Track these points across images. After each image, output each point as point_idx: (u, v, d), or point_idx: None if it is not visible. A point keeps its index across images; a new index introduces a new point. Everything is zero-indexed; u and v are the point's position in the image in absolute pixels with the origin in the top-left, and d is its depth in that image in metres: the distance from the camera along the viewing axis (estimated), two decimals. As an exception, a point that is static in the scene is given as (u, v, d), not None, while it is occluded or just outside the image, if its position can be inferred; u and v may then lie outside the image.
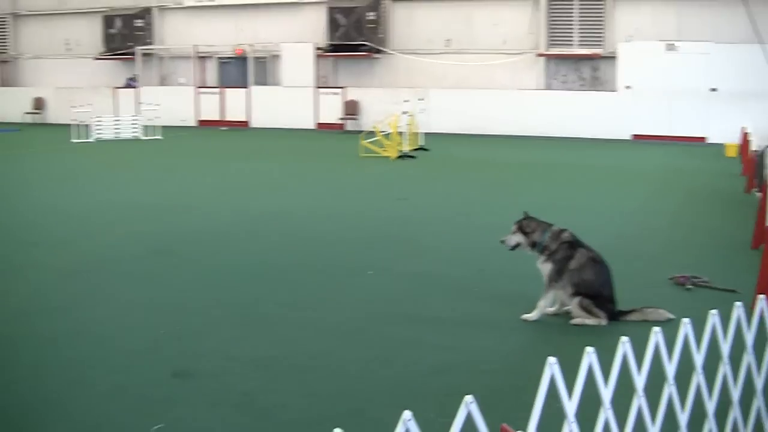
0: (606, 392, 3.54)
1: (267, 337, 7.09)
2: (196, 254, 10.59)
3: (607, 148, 25.62)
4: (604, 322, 7.29)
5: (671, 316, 7.30)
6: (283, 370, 6.27)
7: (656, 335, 3.77)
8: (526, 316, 7.53)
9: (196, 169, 20.45)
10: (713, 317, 4.12)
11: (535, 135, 28.73)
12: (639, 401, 3.72)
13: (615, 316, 7.36)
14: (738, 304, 4.33)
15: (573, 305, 7.42)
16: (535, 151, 24.33)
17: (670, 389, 3.91)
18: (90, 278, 9.29)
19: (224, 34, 35.44)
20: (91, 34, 37.81)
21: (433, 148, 23.99)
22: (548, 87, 30.62)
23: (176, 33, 36.62)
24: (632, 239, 11.61)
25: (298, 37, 33.84)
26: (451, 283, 8.96)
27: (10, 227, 12.53)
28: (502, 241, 7.93)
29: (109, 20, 36.72)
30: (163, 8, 36.74)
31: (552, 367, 3.25)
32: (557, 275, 7.46)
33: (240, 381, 6.02)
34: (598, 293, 7.39)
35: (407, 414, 2.79)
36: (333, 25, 32.68)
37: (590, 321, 7.31)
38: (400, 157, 21.84)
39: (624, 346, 3.60)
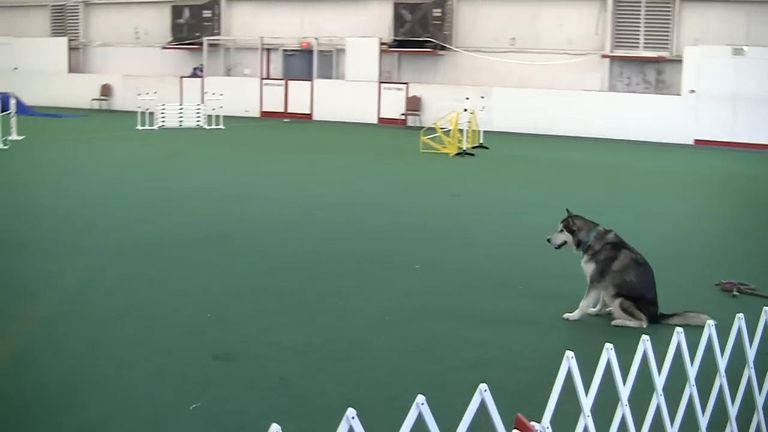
0: (624, 390, 3.60)
1: (309, 325, 7.21)
2: (249, 242, 10.78)
3: (668, 152, 25.42)
4: (644, 324, 7.30)
5: (713, 321, 7.27)
6: (322, 357, 6.39)
7: (679, 335, 3.82)
8: (567, 315, 7.57)
9: (257, 160, 20.72)
10: (739, 321, 4.16)
11: (596, 137, 28.61)
12: (657, 400, 3.77)
13: (656, 319, 7.36)
14: (766, 308, 4.35)
15: (614, 306, 7.44)
16: (595, 153, 24.22)
17: (690, 390, 3.95)
18: (143, 261, 9.50)
19: (290, 27, 35.75)
20: (160, 23, 38.37)
21: (494, 147, 24.00)
22: (612, 89, 30.46)
23: (243, 24, 37.00)
24: (682, 243, 11.57)
25: (363, 32, 34.02)
26: (496, 280, 9.02)
27: (70, 209, 12.84)
28: (548, 240, 7.98)
29: (177, 10, 37.23)
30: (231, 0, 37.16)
31: (569, 360, 3.32)
32: (600, 276, 7.48)
33: (279, 366, 6.15)
34: (640, 295, 7.40)
35: (420, 398, 2.89)
36: (398, 20, 32.80)
37: (631, 323, 7.32)
38: (459, 154, 21.90)
39: (645, 344, 3.65)
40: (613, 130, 28.70)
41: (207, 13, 36.86)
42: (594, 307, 7.68)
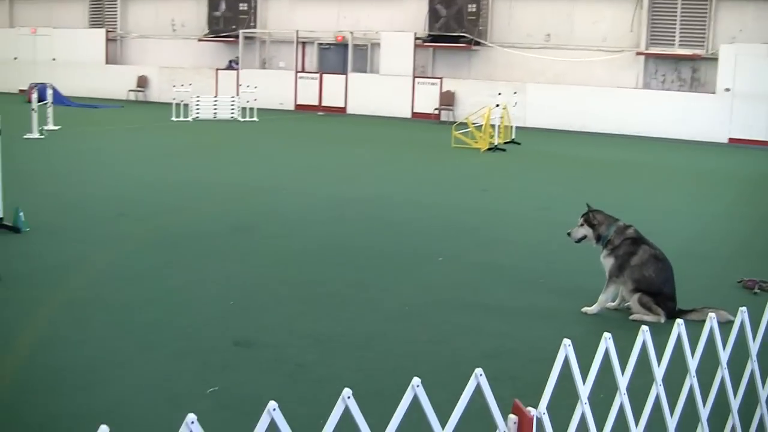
0: (622, 380, 3.68)
1: (329, 315, 7.34)
2: (276, 233, 10.92)
3: (702, 150, 25.29)
4: (662, 319, 7.34)
5: (731, 317, 7.29)
6: (340, 346, 6.51)
7: (679, 327, 3.90)
8: (586, 309, 7.64)
9: (289, 152, 20.87)
10: (742, 314, 4.22)
11: (630, 134, 28.50)
12: (657, 390, 3.85)
13: (675, 314, 7.40)
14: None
15: (632, 301, 7.50)
16: (628, 150, 24.14)
17: (691, 381, 4.02)
18: (170, 250, 9.68)
19: (326, 21, 35.87)
20: (197, 15, 38.62)
21: (526, 143, 24.00)
22: (646, 86, 30.30)
23: (279, 18, 37.16)
24: (709, 241, 11.58)
25: (398, 26, 34.08)
26: (517, 274, 9.10)
27: (102, 198, 13.04)
28: (569, 234, 8.05)
29: (214, 3, 37.44)
30: (267, -7, 37.37)
31: (566, 348, 3.41)
32: (618, 270, 7.55)
33: (297, 353, 6.28)
34: (658, 290, 7.46)
35: (416, 380, 2.99)
36: (434, 15, 32.82)
37: (649, 318, 7.37)
38: (490, 149, 21.93)
39: (644, 334, 3.73)
40: (647, 127, 28.58)
41: (243, 6, 37.05)
42: (613, 302, 7.75)
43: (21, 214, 10.19)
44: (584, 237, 7.91)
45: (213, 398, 5.37)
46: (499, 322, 7.36)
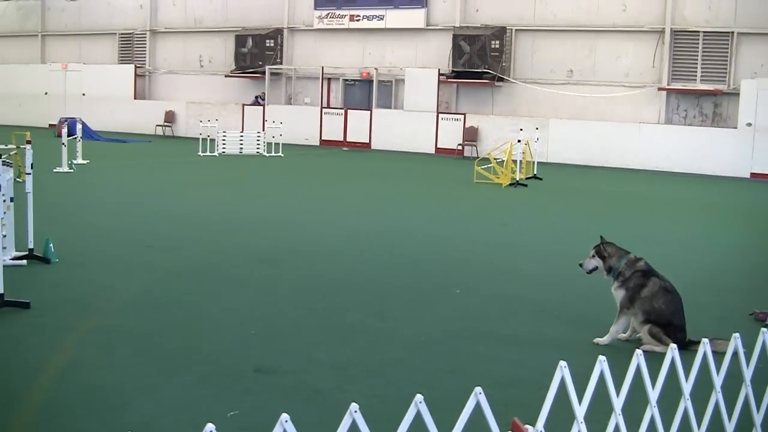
0: (617, 401, 3.88)
1: (348, 343, 7.55)
2: (297, 265, 11.16)
3: (724, 185, 25.39)
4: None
5: (674, 345, 7.47)
6: (357, 374, 6.73)
7: (672, 351, 4.10)
8: (597, 340, 7.82)
9: (313, 187, 21.18)
10: (736, 340, 4.42)
11: (652, 169, 28.68)
12: (651, 412, 4.05)
13: (685, 345, 7.55)
14: (765, 330, 4.60)
15: (643, 332, 7.67)
16: (650, 185, 24.28)
17: (685, 404, 4.21)
18: (194, 280, 9.96)
19: (351, 57, 36.34)
20: (224, 51, 39.23)
21: (548, 178, 24.20)
22: (668, 121, 30.48)
23: (305, 54, 37.66)
24: (724, 274, 11.72)
25: (422, 63, 34.48)
26: (533, 306, 9.29)
27: (129, 230, 13.36)
28: (581, 265, 8.25)
29: (241, 39, 37.99)
30: (293, 29, 37.87)
31: (563, 370, 3.62)
32: (629, 302, 7.72)
33: (315, 380, 6.50)
34: (668, 322, 7.62)
35: (419, 397, 3.21)
36: (457, 51, 33.16)
37: (659, 348, 7.51)
38: (512, 184, 22.14)
39: (638, 358, 3.93)
40: (669, 162, 28.76)
41: (270, 43, 37.59)
42: (624, 333, 7.92)
43: (50, 245, 10.50)
44: (595, 268, 8.10)
45: (233, 422, 5.59)
46: (513, 351, 7.55)
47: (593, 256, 8.10)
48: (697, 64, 29.93)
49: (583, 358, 7.41)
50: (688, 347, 7.56)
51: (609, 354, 7.49)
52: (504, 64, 32.76)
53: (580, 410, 3.71)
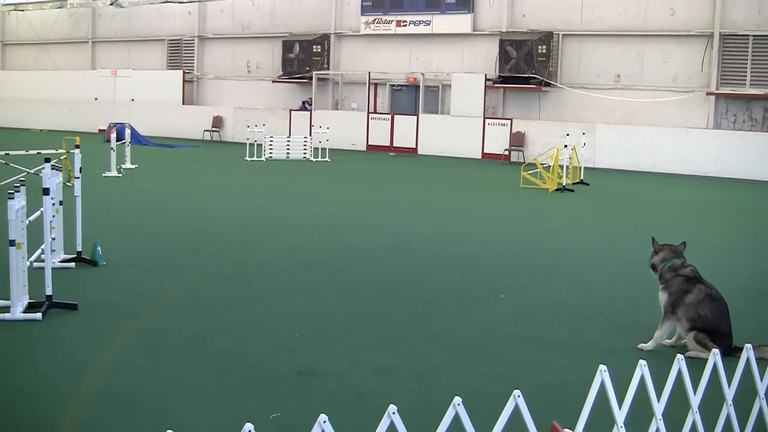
0: (658, 407, 3.86)
1: (392, 347, 7.57)
2: (343, 268, 11.21)
3: (775, 191, 25.13)
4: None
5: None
6: (401, 377, 6.74)
7: (715, 356, 4.07)
8: (642, 345, 7.77)
9: (359, 192, 21.25)
10: (748, 351, 4.37)
11: (700, 174, 28.42)
12: (693, 417, 4.02)
13: (731, 351, 7.49)
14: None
15: (688, 339, 7.61)
16: (698, 190, 24.07)
17: (728, 410, 4.18)
18: (241, 283, 10.04)
19: (398, 62, 36.39)
20: (271, 57, 39.47)
21: (595, 183, 24.07)
22: (717, 126, 30.17)
23: (351, 59, 37.78)
24: (773, 281, 11.61)
25: (469, 68, 34.46)
26: (578, 310, 9.24)
27: (177, 233, 13.50)
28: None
29: (288, 45, 38.19)
30: (340, 35, 38.00)
31: (602, 374, 3.61)
32: (672, 307, 7.67)
33: (358, 383, 6.53)
34: (715, 329, 7.56)
35: (457, 399, 3.22)
36: (504, 57, 33.07)
37: (704, 354, 7.43)
38: (558, 189, 22.04)
39: (679, 363, 3.91)
40: (718, 167, 28.47)
41: (317, 48, 37.75)
42: (669, 339, 7.87)
43: (98, 248, 10.63)
44: (654, 266, 8.10)
45: (275, 423, 5.64)
46: (557, 356, 7.52)
47: (652, 255, 8.12)
48: (746, 68, 29.59)
49: (627, 363, 7.38)
50: (733, 354, 7.48)
51: (651, 359, 7.46)
52: (551, 69, 32.62)
53: (620, 414, 3.70)
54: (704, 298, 7.65)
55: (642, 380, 3.77)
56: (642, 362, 3.77)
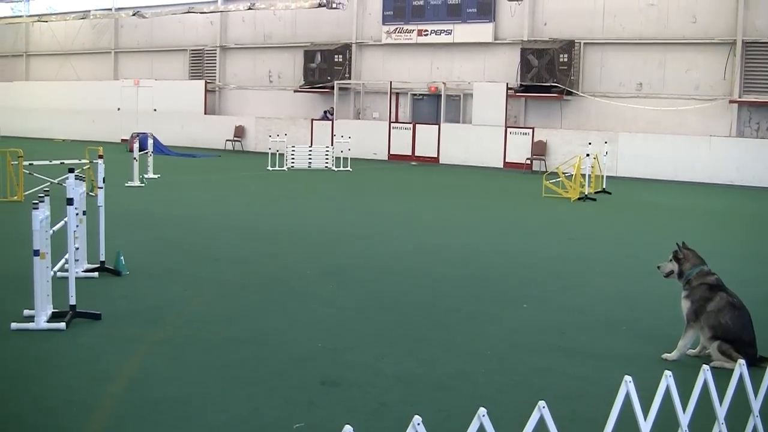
0: (684, 417, 3.84)
1: (414, 356, 7.56)
2: (364, 278, 11.20)
3: (799, 200, 24.96)
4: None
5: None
6: (423, 387, 6.72)
7: (741, 367, 4.04)
8: (666, 355, 7.72)
9: (380, 201, 21.26)
10: (741, 367, 4.34)
11: (723, 183, 28.27)
12: (719, 428, 3.99)
13: (755, 361, 7.43)
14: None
15: (712, 349, 7.56)
16: (721, 199, 23.95)
17: (755, 421, 4.15)
18: (262, 293, 10.06)
19: (419, 72, 36.43)
20: (293, 67, 39.59)
21: (617, 192, 23.98)
22: (740, 134, 30.01)
23: (373, 69, 37.84)
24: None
25: (490, 77, 34.44)
26: (601, 320, 9.20)
27: (198, 243, 13.54)
28: (658, 267, 8.18)
29: (310, 55, 38.28)
30: (361, 45, 38.06)
31: (627, 385, 3.59)
32: (695, 315, 7.62)
33: (381, 393, 6.52)
34: (737, 337, 7.50)
35: (482, 410, 3.21)
36: (525, 65, 33.03)
37: (728, 365, 7.39)
38: (580, 198, 21.98)
39: (705, 374, 3.88)
40: (741, 176, 28.30)
41: (338, 58, 37.82)
42: (693, 348, 7.82)
43: (121, 257, 10.67)
44: (671, 272, 8.02)
45: (298, 433, 5.65)
46: (579, 366, 7.49)
47: (671, 260, 8.04)
48: (769, 75, 29.48)
49: (652, 374, 7.33)
50: (758, 363, 7.43)
51: (676, 369, 7.42)
52: (572, 77, 32.56)
53: (645, 426, 3.68)
54: (725, 305, 7.60)
55: (667, 391, 3.74)
56: (667, 373, 3.74)
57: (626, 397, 3.65)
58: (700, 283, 7.72)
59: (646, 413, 3.73)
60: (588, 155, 22.81)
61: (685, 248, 8.04)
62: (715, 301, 7.60)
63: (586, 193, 22.35)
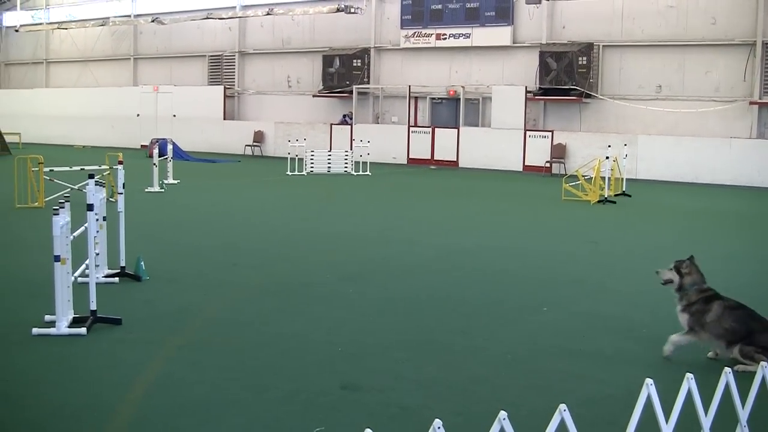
0: (705, 420, 3.81)
1: (434, 361, 7.55)
2: (384, 282, 11.19)
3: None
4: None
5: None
6: (443, 391, 6.71)
7: (763, 369, 4.01)
8: (667, 346, 7.77)
9: (400, 205, 21.23)
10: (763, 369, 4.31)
11: (744, 185, 28.09)
12: (742, 431, 3.97)
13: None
14: None
15: (735, 354, 7.53)
16: (741, 201, 23.80)
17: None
18: (281, 297, 10.07)
19: (438, 76, 36.40)
20: (311, 72, 39.66)
21: (637, 195, 23.88)
22: (760, 136, 29.85)
23: (391, 73, 37.84)
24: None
25: (509, 80, 34.39)
26: (621, 324, 9.17)
27: (218, 248, 13.57)
28: (657, 272, 8.16)
29: (328, 59, 38.32)
30: (380, 49, 38.09)
31: (649, 388, 3.57)
32: (693, 325, 7.71)
33: (401, 397, 6.51)
34: (747, 333, 7.51)
35: (503, 414, 3.20)
36: (544, 69, 32.97)
37: (752, 368, 7.35)
38: (600, 201, 21.90)
39: (727, 376, 3.86)
40: (761, 178, 28.12)
41: (357, 63, 37.86)
42: (710, 352, 7.84)
43: (142, 263, 10.71)
44: (670, 281, 8.01)
45: (319, 437, 5.65)
46: (600, 369, 7.46)
47: (671, 269, 8.02)
48: (790, 77, 29.32)
49: (672, 377, 7.29)
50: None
51: (698, 372, 7.38)
52: (591, 80, 32.48)
53: (667, 429, 3.65)
54: (723, 311, 7.67)
55: (689, 394, 3.72)
56: (689, 375, 3.72)
57: (647, 399, 3.63)
58: (699, 298, 7.74)
59: (667, 416, 3.70)
60: (607, 158, 22.73)
61: (691, 263, 8.01)
62: (712, 311, 7.68)
63: (606, 196, 22.27)
